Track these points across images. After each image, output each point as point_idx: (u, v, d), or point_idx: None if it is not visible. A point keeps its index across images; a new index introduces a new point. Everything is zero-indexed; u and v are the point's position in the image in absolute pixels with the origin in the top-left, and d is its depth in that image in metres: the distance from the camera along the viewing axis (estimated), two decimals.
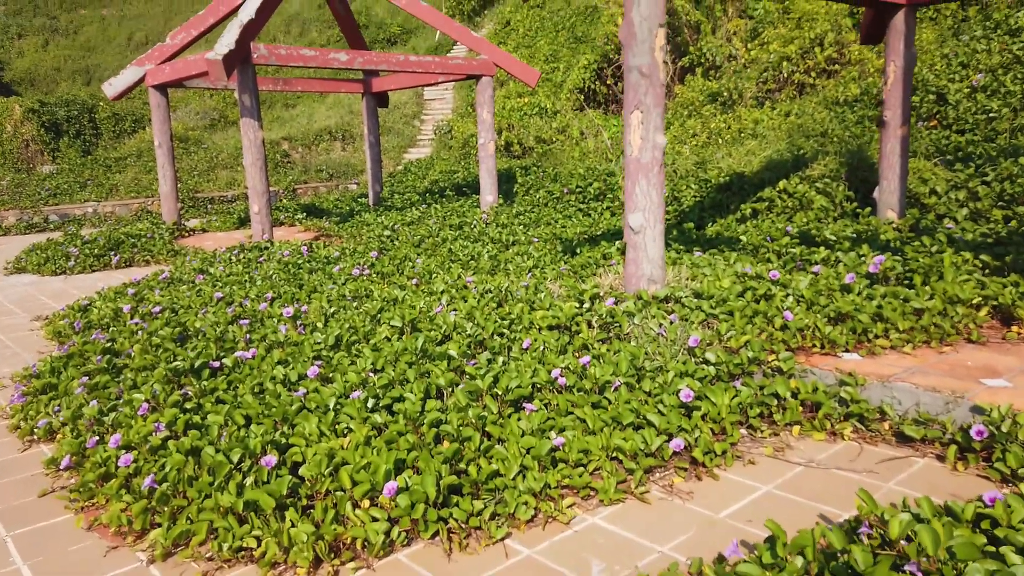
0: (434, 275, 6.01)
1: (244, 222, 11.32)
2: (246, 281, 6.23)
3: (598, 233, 7.01)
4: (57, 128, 20.28)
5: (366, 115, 11.37)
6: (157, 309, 5.31)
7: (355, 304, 5.19)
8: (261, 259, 7.12)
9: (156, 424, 2.96)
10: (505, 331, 4.08)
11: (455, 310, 4.65)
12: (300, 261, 6.84)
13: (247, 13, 7.46)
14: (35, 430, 3.47)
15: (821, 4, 11.04)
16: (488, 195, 9.54)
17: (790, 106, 9.69)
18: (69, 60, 28.60)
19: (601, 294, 4.32)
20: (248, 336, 4.29)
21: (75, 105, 20.83)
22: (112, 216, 14.24)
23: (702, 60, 12.55)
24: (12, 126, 19.81)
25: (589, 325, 4.02)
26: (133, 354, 4.02)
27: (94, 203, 14.19)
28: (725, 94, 10.78)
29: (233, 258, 7.27)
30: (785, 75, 10.46)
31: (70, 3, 32.70)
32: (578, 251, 6.30)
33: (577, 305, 4.13)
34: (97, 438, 3.06)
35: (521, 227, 8.04)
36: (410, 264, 6.52)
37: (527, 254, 6.51)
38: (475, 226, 8.23)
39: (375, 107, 11.40)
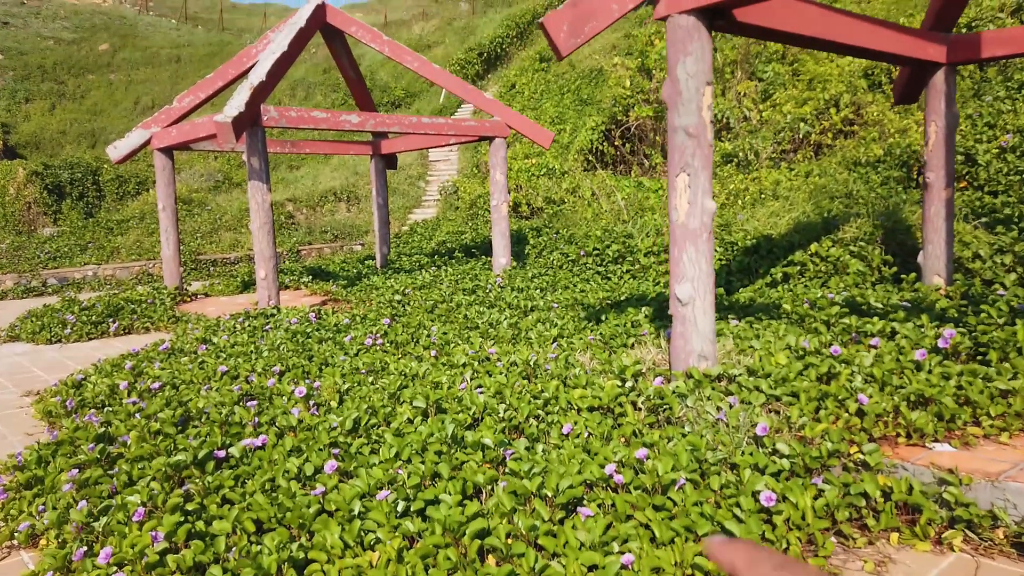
0: (452, 345, 5.66)
1: (248, 286, 11.01)
2: (252, 353, 5.86)
3: (622, 298, 6.68)
4: (60, 190, 20.21)
5: (374, 177, 11.19)
6: (156, 385, 4.93)
7: (371, 379, 4.82)
8: (267, 327, 6.77)
9: (153, 534, 2.56)
10: (540, 412, 3.71)
11: (481, 387, 4.28)
12: (309, 329, 6.49)
13: (257, 76, 7.29)
14: (16, 534, 3.05)
15: (833, 65, 10.99)
16: (501, 257, 9.25)
17: (808, 167, 9.50)
18: (75, 124, 28.84)
19: (643, 371, 3.95)
20: (256, 419, 3.90)
21: (79, 168, 20.83)
22: (112, 279, 13.95)
23: (713, 121, 12.45)
24: (15, 189, 19.72)
25: (635, 407, 3.64)
26: (129, 442, 3.63)
27: (94, 266, 13.91)
28: (740, 155, 10.62)
29: (238, 326, 6.92)
30: (801, 136, 10.32)
31: (78, 68, 33.19)
32: (603, 318, 5.95)
33: (619, 384, 3.76)
34: (85, 548, 2.65)
35: (538, 291, 7.72)
36: (425, 332, 6.17)
37: (549, 321, 6.17)
38: (490, 290, 7.91)
39: (384, 169, 11.23)
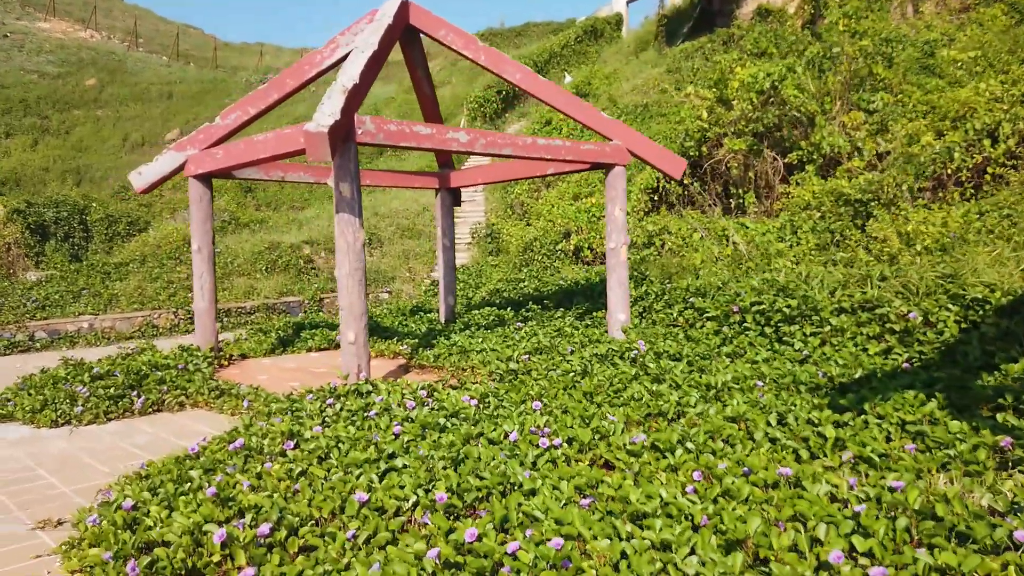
0: (663, 448, 3.86)
1: (285, 343, 9.11)
2: (377, 459, 4.01)
3: (862, 375, 4.96)
4: (44, 231, 18.22)
5: (440, 214, 9.44)
6: (265, 530, 3.06)
7: (621, 525, 2.99)
8: (371, 412, 4.90)
9: None
10: None
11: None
12: (437, 419, 4.64)
13: (349, 77, 5.58)
14: None
15: (973, 92, 9.56)
16: (620, 313, 7.49)
17: (978, 205, 7.94)
18: (59, 160, 26.88)
19: None
20: None
21: (65, 206, 18.89)
22: (112, 332, 11.93)
23: (814, 156, 10.97)
24: None
25: None
26: None
27: (90, 317, 11.90)
28: (878, 192, 9.06)
29: (328, 411, 5.05)
30: (950, 171, 8.81)
31: (63, 103, 31.37)
32: (867, 415, 4.22)
33: None
34: None
35: (698, 358, 5.97)
36: (601, 421, 4.38)
37: (776, 408, 4.41)
38: (635, 358, 6.13)
39: (451, 205, 9.50)
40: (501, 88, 25.43)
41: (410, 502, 3.41)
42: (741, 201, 11.82)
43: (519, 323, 8.70)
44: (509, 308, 9.78)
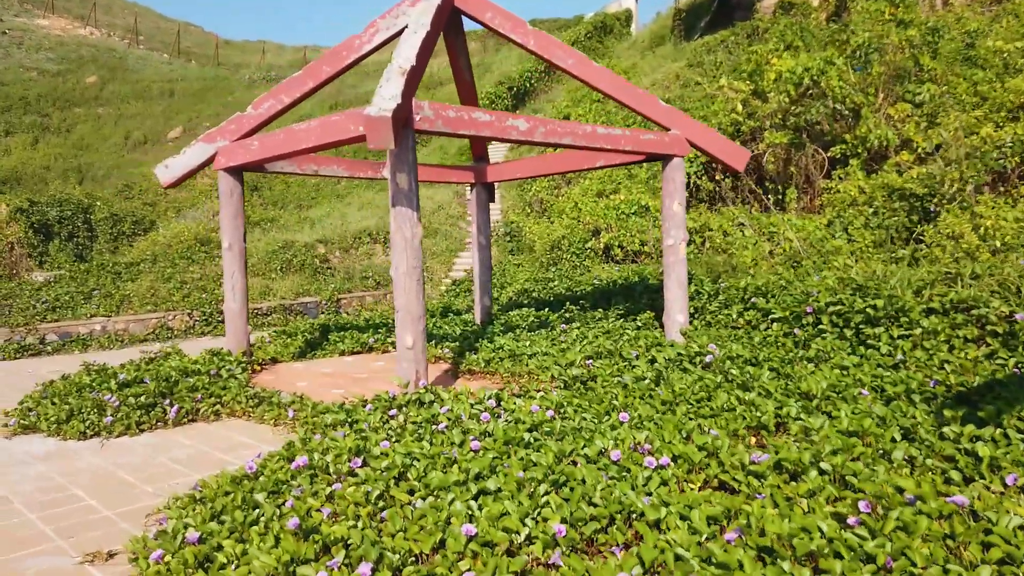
0: (791, 468, 3.42)
1: (313, 346, 8.65)
2: (464, 481, 3.56)
3: (981, 383, 4.52)
4: (47, 230, 17.77)
5: (476, 210, 8.99)
6: (366, 571, 2.62)
7: (755, 556, 2.55)
8: (440, 425, 4.45)
9: None
10: None
11: None
12: (520, 433, 4.19)
13: (406, 58, 5.13)
14: None
15: None
16: (678, 314, 7.05)
17: None
18: (60, 159, 26.35)
19: None
20: None
21: (69, 204, 18.43)
22: (125, 335, 11.45)
23: (859, 150, 10.54)
24: None
25: None
26: None
27: (103, 319, 11.42)
28: (937, 186, 8.62)
29: (393, 423, 4.59)
30: (1013, 164, 8.38)
31: (63, 101, 30.82)
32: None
33: None
34: None
35: (780, 363, 5.53)
36: (706, 437, 3.93)
37: (897, 425, 3.97)
38: (708, 363, 5.69)
39: (486, 201, 9.05)
40: (512, 85, 24.98)
41: (522, 535, 2.96)
42: (780, 197, 11.39)
43: (563, 324, 8.26)
44: (547, 309, 9.33)
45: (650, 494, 3.37)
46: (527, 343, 7.22)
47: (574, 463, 3.84)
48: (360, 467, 4.01)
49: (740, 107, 11.96)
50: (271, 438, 5.40)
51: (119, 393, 6.04)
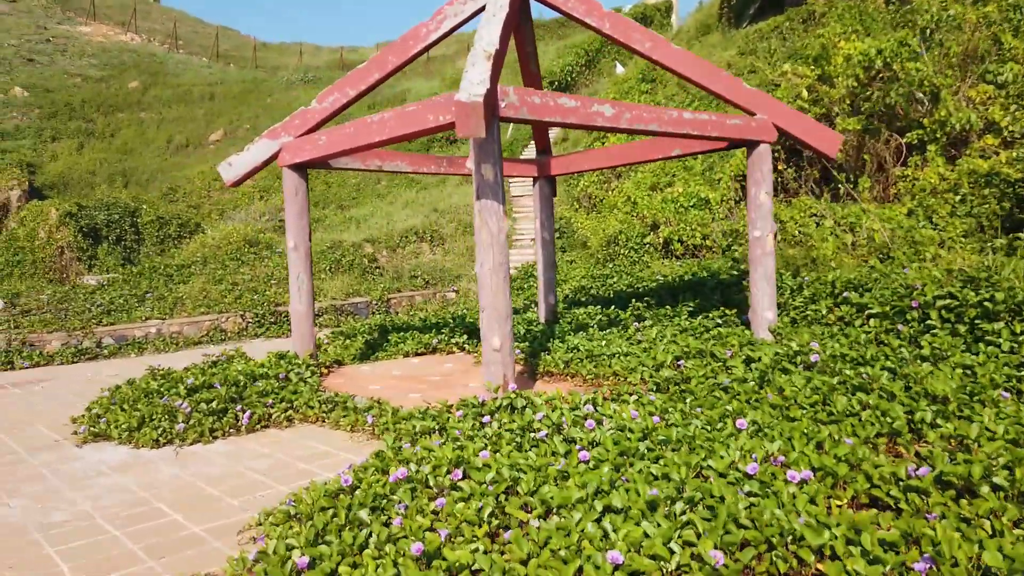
0: (957, 484, 3.04)
1: (373, 347, 8.41)
2: (585, 498, 3.24)
3: None
4: (96, 234, 17.91)
5: (539, 205, 8.66)
6: None
7: None
8: (540, 432, 4.13)
9: None
10: None
11: None
12: (634, 444, 3.86)
13: (489, 41, 4.82)
14: None
15: None
16: (767, 311, 6.64)
17: None
18: (105, 163, 26.66)
19: None
20: None
21: (116, 208, 18.55)
22: (180, 337, 11.36)
23: (937, 135, 9.98)
24: (46, 232, 17.38)
25: None
26: None
27: (157, 322, 11.34)
28: None
29: (488, 430, 4.29)
30: None
31: (107, 106, 31.20)
32: None
33: None
34: None
35: (897, 362, 5.11)
36: (840, 447, 3.56)
37: None
38: (812, 364, 5.29)
39: (550, 195, 8.72)
40: (553, 79, 24.59)
41: (673, 563, 2.63)
42: (852, 186, 10.87)
43: (636, 322, 7.90)
44: (612, 307, 8.97)
45: (799, 513, 3.01)
46: (603, 343, 6.87)
47: (702, 477, 3.50)
48: (461, 479, 3.71)
49: (805, 93, 11.46)
50: (350, 445, 5.14)
51: (189, 399, 5.83)
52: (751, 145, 6.63)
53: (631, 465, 3.62)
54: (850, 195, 10.92)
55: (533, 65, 7.49)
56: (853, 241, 8.57)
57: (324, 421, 5.77)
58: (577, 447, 3.90)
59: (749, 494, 3.20)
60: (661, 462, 3.60)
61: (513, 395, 4.69)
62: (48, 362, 10.19)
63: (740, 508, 2.98)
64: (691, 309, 8.58)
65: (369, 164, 7.30)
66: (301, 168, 6.86)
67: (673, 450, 3.84)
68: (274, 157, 6.84)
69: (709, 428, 4.15)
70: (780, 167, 12.38)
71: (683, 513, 3.03)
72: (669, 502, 3.10)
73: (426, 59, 36.47)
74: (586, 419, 4.29)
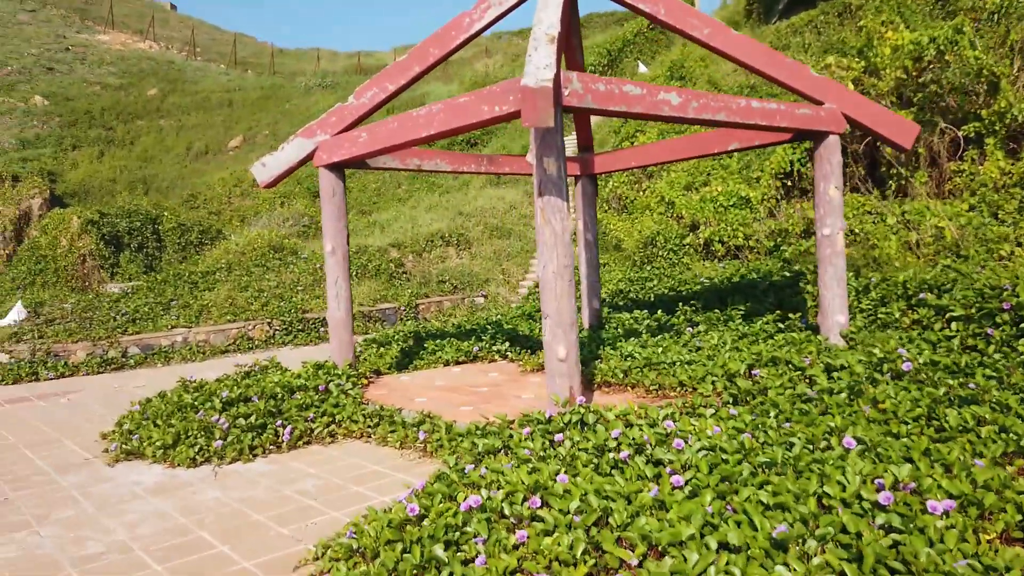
0: None
1: (410, 355, 8.03)
2: (694, 534, 2.82)
3: None
4: (118, 241, 17.71)
5: (583, 205, 8.26)
6: None
7: None
8: (622, 453, 3.72)
9: None
10: None
11: None
12: (739, 469, 3.44)
13: (550, 24, 4.43)
14: None
15: None
16: (838, 314, 6.19)
17: None
18: (125, 171, 26.55)
19: None
20: None
21: (138, 215, 18.36)
22: (206, 346, 11.05)
23: (996, 127, 9.48)
24: (68, 240, 17.19)
25: None
26: None
27: (183, 330, 11.04)
28: None
29: (559, 449, 3.88)
30: None
31: (126, 114, 31.16)
32: None
33: None
34: None
35: (1001, 367, 4.66)
36: (968, 470, 3.13)
37: None
38: (903, 372, 4.84)
39: (593, 194, 8.32)
40: None
41: None
42: (904, 182, 10.38)
43: (690, 327, 7.47)
44: (658, 311, 8.54)
45: (949, 550, 2.59)
46: (658, 350, 6.45)
47: (822, 506, 3.08)
48: (539, 507, 3.31)
49: (851, 86, 10.97)
50: (402, 464, 4.76)
51: (226, 413, 5.47)
52: (818, 136, 6.19)
53: (735, 493, 3.20)
54: (902, 191, 10.43)
55: (579, 56, 7.10)
56: (917, 239, 8.09)
57: (370, 437, 5.39)
58: (668, 470, 3.49)
59: (886, 528, 2.77)
60: (769, 488, 3.18)
61: (582, 410, 4.28)
62: (73, 373, 9.90)
63: (884, 547, 2.56)
64: (742, 312, 8.15)
65: (408, 163, 6.94)
66: (338, 168, 6.50)
67: (778, 474, 3.42)
68: (309, 157, 6.49)
69: (811, 447, 3.73)
70: None
71: (816, 554, 2.61)
72: (800, 540, 2.68)
73: (447, 64, 36.18)
74: (669, 436, 3.87)
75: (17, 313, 11.41)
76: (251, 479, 4.62)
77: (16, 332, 10.38)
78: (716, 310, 8.54)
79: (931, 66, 10.43)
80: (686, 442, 3.84)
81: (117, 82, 33.21)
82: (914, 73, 10.59)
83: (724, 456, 3.59)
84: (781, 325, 7.00)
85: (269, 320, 11.77)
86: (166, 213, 18.88)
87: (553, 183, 4.43)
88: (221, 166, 27.51)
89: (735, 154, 13.95)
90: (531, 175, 8.16)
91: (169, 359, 10.63)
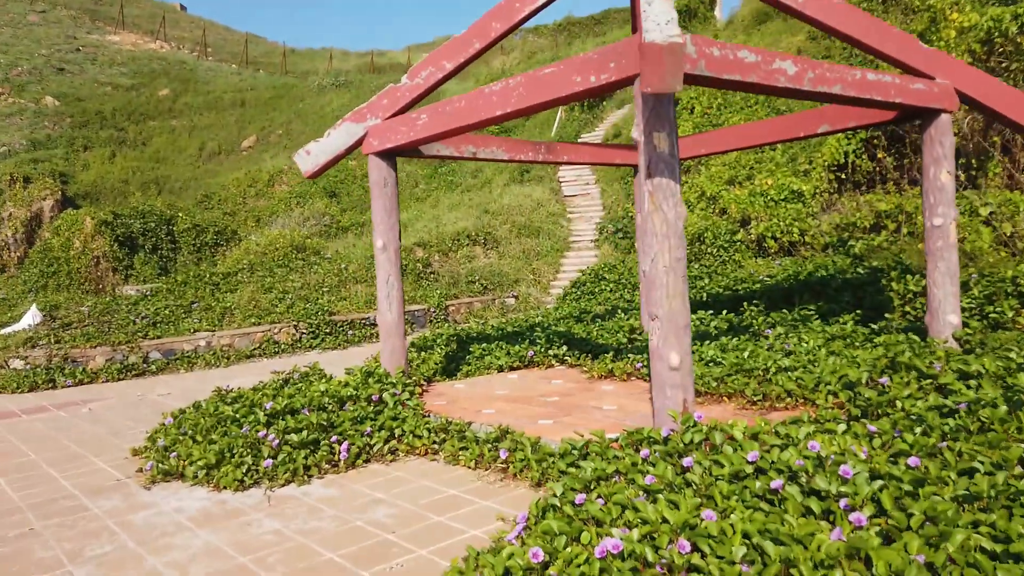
0: None
1: (454, 360, 7.42)
2: None
3: None
4: (132, 242, 17.17)
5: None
6: None
7: None
8: (776, 482, 3.09)
9: None
10: None
11: None
12: (941, 506, 2.81)
13: None
14: None
15: None
16: (951, 314, 5.54)
17: None
18: (137, 172, 26.05)
19: None
20: None
21: (152, 216, 17.82)
22: (230, 350, 10.46)
23: None
24: (81, 241, 16.65)
25: None
26: None
27: (207, 334, 10.45)
28: None
29: (690, 476, 3.26)
30: None
31: (138, 114, 30.67)
32: None
33: None
34: None
35: None
36: None
37: None
38: None
39: None
40: None
41: None
42: (972, 174, 9.72)
43: (768, 328, 6.83)
44: (725, 311, 7.91)
45: None
46: (744, 354, 5.82)
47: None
48: (689, 551, 2.69)
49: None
50: (480, 487, 4.14)
51: (273, 427, 4.86)
52: (929, 115, 5.55)
53: (944, 536, 2.57)
54: (971, 182, 9.77)
55: None
56: (1013, 232, 7.44)
57: (436, 454, 4.78)
58: (843, 504, 2.86)
59: None
60: (983, 531, 2.54)
61: (705, 426, 3.65)
62: (92, 380, 9.32)
63: None
64: (810, 311, 7.52)
65: (463, 151, 6.32)
66: (390, 155, 5.88)
67: (982, 509, 2.78)
68: (358, 143, 5.88)
69: (992, 471, 3.09)
70: (880, 155, 11.26)
71: None
72: None
73: None
74: (826, 459, 3.24)
75: (32, 317, 10.85)
76: (312, 506, 4.01)
77: (31, 337, 9.82)
78: (784, 310, 7.91)
79: (999, 49, 9.77)
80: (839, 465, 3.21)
81: (128, 82, 32.75)
82: (982, 56, 9.93)
83: (900, 486, 2.96)
84: (873, 326, 6.36)
85: (295, 323, 11.18)
86: (180, 214, 18.35)
87: (665, 162, 3.82)
88: (235, 166, 27.00)
89: (779, 146, 13.31)
90: (575, 167, 7.52)
91: (192, 364, 10.05)
